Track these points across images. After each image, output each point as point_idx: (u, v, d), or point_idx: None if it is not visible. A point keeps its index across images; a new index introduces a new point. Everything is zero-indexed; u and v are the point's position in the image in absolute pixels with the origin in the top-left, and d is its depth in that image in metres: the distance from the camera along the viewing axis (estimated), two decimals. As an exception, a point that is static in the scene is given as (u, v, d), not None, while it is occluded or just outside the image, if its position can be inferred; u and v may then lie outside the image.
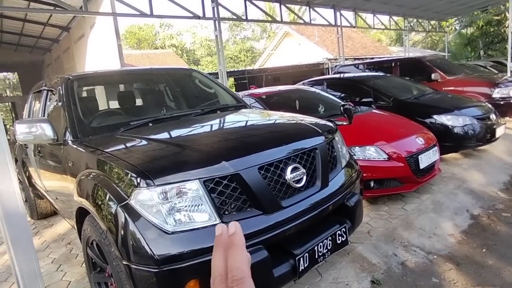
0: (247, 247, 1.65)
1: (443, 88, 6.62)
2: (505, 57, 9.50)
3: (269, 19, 11.51)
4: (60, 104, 2.70)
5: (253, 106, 3.70)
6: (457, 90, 6.59)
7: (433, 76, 6.99)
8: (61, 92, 2.73)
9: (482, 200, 3.79)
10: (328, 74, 15.80)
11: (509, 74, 8.58)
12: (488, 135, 4.79)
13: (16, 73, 21.76)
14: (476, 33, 20.63)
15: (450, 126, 4.61)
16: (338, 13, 11.04)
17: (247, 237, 1.69)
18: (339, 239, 2.09)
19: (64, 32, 12.74)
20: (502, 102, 6.26)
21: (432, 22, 16.66)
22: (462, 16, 17.44)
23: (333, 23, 11.19)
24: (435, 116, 4.70)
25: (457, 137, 4.60)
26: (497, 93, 6.40)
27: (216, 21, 7.54)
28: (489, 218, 3.41)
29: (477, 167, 4.69)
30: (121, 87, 3.74)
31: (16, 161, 4.31)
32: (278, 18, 10.50)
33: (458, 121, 4.64)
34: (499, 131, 4.94)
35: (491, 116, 4.92)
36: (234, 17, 8.76)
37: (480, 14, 17.54)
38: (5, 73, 26.09)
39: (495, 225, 3.27)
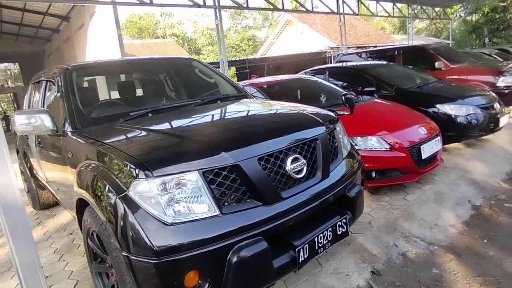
0: (247, 238, 1.65)
1: (447, 77, 6.55)
2: (510, 45, 9.38)
3: (271, 7, 11.36)
4: (59, 94, 2.68)
5: (254, 96, 3.67)
6: (461, 79, 6.51)
7: (436, 64, 6.91)
8: (59, 83, 2.71)
9: (484, 191, 3.77)
10: (331, 63, 15.66)
11: (514, 62, 8.45)
12: (491, 125, 4.74)
13: (17, 63, 21.71)
14: (481, 20, 20.28)
15: (453, 116, 4.56)
16: (340, 1, 10.87)
17: (247, 228, 1.69)
18: (339, 230, 2.08)
19: (64, 22, 12.65)
20: (506, 91, 6.19)
21: (437, 9, 16.43)
22: (467, 2, 17.14)
23: (336, 11, 11.04)
24: (438, 105, 4.65)
25: (460, 126, 4.56)
26: (501, 82, 6.32)
27: (217, 10, 7.45)
28: (491, 209, 3.39)
29: (480, 157, 4.65)
30: (122, 77, 3.71)
31: (18, 152, 4.32)
32: (280, 6, 10.36)
33: (462, 110, 4.59)
34: (503, 121, 4.88)
35: (495, 105, 4.86)
36: (235, 5, 8.65)
37: (485, 0, 17.25)
38: (6, 64, 26.02)
39: (497, 216, 3.26)
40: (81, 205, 2.10)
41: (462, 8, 18.58)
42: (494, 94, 5.23)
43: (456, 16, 19.91)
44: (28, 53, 16.40)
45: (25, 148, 3.98)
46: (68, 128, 2.39)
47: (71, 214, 3.00)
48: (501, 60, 9.72)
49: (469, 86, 5.67)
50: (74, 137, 2.31)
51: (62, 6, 11.06)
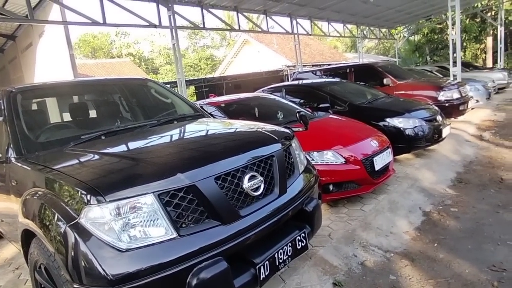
0: (207, 259, 1.62)
1: (395, 92, 7.00)
2: (448, 62, 10.25)
3: (228, 27, 11.58)
4: (1, 119, 2.51)
5: (212, 115, 3.68)
6: (407, 94, 6.99)
7: (385, 81, 7.37)
8: (2, 106, 2.55)
9: (432, 197, 4.02)
10: (287, 80, 16.14)
11: (451, 78, 9.25)
12: (436, 136, 5.11)
13: (-45, 85, 20.07)
14: (422, 40, 22.16)
15: (401, 128, 4.86)
16: (294, 21, 11.35)
17: (206, 249, 1.67)
18: (299, 245, 2.11)
19: (9, 41, 11.96)
20: (447, 104, 6.74)
21: (383, 29, 17.65)
22: (409, 24, 18.62)
23: (290, 31, 11.48)
24: (387, 119, 4.95)
25: (408, 138, 4.87)
26: (442, 96, 6.88)
27: (173, 30, 7.46)
28: (439, 214, 3.62)
29: (427, 166, 4.98)
30: (74, 99, 3.57)
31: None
32: (236, 27, 10.59)
33: (409, 123, 4.91)
34: (445, 131, 5.29)
35: (437, 118, 5.27)
36: (191, 25, 8.71)
37: (424, 22, 18.85)
38: None
39: (444, 220, 3.48)
40: (27, 237, 1.97)
41: (405, 29, 20.13)
42: (436, 108, 5.67)
43: (400, 36, 21.52)
44: (-32, 74, 15.26)
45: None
46: (11, 154, 2.25)
47: (16, 247, 2.77)
48: (441, 76, 10.59)
49: (415, 101, 6.10)
50: (19, 164, 2.17)
51: (8, 25, 10.49)
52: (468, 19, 20.45)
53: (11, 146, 2.28)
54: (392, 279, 2.60)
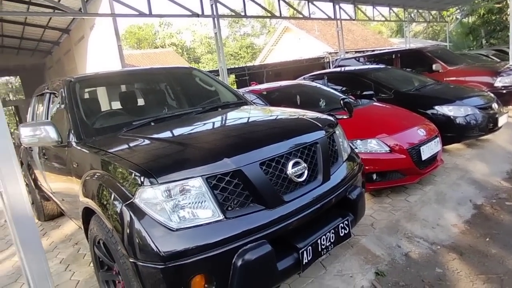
0: (251, 241, 1.68)
1: (445, 79, 6.60)
2: (507, 45, 9.43)
3: (268, 15, 11.48)
4: (63, 106, 2.73)
5: (254, 103, 3.72)
6: (459, 80, 6.57)
7: (434, 66, 6.97)
8: (63, 95, 2.77)
9: (485, 190, 3.79)
10: (329, 68, 15.76)
11: (511, 62, 8.51)
12: (490, 125, 4.78)
13: (18, 76, 21.87)
14: (478, 21, 20.45)
15: (452, 117, 4.60)
16: (337, 6, 10.99)
17: (251, 232, 1.72)
18: (342, 232, 2.11)
19: (64, 34, 12.78)
20: (504, 91, 6.23)
21: (433, 12, 16.55)
22: (463, 5, 17.30)
23: (333, 17, 11.15)
24: (436, 107, 4.70)
25: (459, 127, 4.60)
26: (499, 82, 6.37)
27: (215, 19, 7.55)
28: (492, 208, 3.41)
29: (480, 157, 4.68)
30: (123, 88, 3.77)
31: (22, 164, 4.36)
32: (277, 14, 10.48)
33: (460, 111, 4.63)
34: (502, 120, 4.92)
35: (493, 105, 4.91)
36: (233, 14, 8.75)
37: (481, 2, 17.40)
38: (7, 77, 26.23)
39: (498, 214, 3.28)
40: (87, 214, 2.14)
41: (458, 11, 18.75)
42: (492, 95, 5.28)
43: (452, 18, 20.09)
44: (29, 66, 16.53)
45: (29, 160, 4.02)
46: (72, 139, 2.44)
47: (76, 224, 3.04)
48: (498, 60, 9.80)
49: (467, 87, 5.72)
50: (79, 148, 2.35)
51: (63, 19, 11.20)
52: (532, -3, 18.57)
53: (72, 131, 2.47)
54: (439, 272, 2.51)
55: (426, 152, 3.66)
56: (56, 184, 3.08)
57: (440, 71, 6.93)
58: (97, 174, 2.03)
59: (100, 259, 2.13)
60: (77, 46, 12.05)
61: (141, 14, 6.87)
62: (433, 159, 3.81)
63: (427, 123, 4.05)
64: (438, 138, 3.90)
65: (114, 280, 2.06)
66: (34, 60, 16.46)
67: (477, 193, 3.72)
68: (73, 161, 2.40)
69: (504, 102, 5.51)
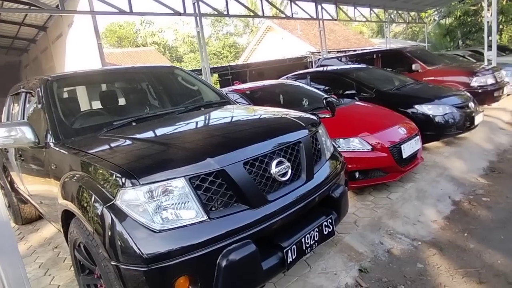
0: (236, 241, 1.68)
1: (424, 78, 6.76)
2: (482, 46, 9.75)
3: (251, 14, 11.47)
4: (39, 106, 2.64)
5: (237, 102, 3.70)
6: (437, 80, 6.74)
7: (413, 66, 7.13)
8: (40, 94, 2.68)
9: (463, 187, 3.91)
10: (312, 67, 15.88)
11: (486, 63, 8.81)
12: (467, 123, 4.92)
13: (-8, 75, 21.11)
14: (454, 23, 21.04)
15: (431, 115, 4.71)
16: (319, 7, 11.08)
17: (235, 232, 1.71)
18: (325, 230, 2.13)
19: (41, 32, 12.41)
20: (480, 90, 6.44)
21: (412, 13, 16.92)
22: (440, 6, 17.78)
23: (315, 17, 11.24)
24: (416, 106, 4.80)
25: (438, 125, 4.71)
26: (475, 82, 6.58)
27: (197, 17, 7.48)
28: (470, 204, 3.52)
29: (458, 154, 4.82)
30: (103, 87, 3.68)
31: (-3, 166, 4.21)
32: (260, 13, 10.48)
33: (439, 110, 4.75)
34: (478, 119, 5.08)
35: (470, 104, 5.05)
36: (216, 12, 8.70)
37: (457, 4, 17.93)
38: (-20, 76, 25.26)
39: (475, 210, 3.38)
40: (67, 217, 2.08)
41: (436, 13, 19.24)
42: (468, 94, 5.44)
43: (430, 20, 20.59)
44: (3, 64, 15.96)
45: (5, 162, 3.88)
46: (50, 139, 2.37)
47: (55, 227, 2.95)
48: (474, 61, 10.10)
49: (445, 87, 5.87)
50: (57, 149, 2.29)
51: (39, 16, 10.86)
52: (505, 0, 19.25)
53: (50, 132, 2.40)
54: (420, 267, 2.57)
55: (407, 150, 3.73)
56: (33, 186, 2.98)
57: (419, 71, 7.10)
58: (77, 175, 1.97)
59: (81, 263, 2.07)
60: (55, 44, 11.71)
61: (121, 12, 6.73)
62: (413, 157, 3.90)
63: (407, 121, 4.13)
64: (418, 137, 3.99)
65: (96, 284, 2.01)
66: (8, 58, 15.93)
67: (456, 190, 3.83)
68: (51, 163, 2.33)
69: (480, 101, 5.70)
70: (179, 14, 7.37)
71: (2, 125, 2.32)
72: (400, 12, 15.87)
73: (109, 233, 1.64)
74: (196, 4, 7.42)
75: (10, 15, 10.46)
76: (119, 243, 1.60)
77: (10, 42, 13.63)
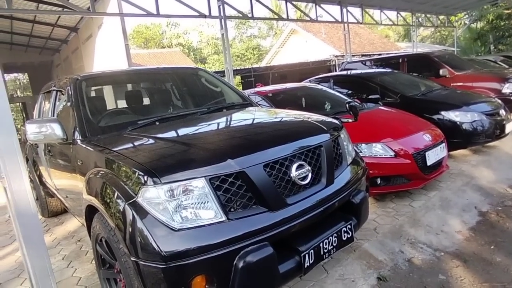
0: (253, 243, 1.68)
1: (452, 84, 6.55)
2: (515, 52, 9.34)
3: (276, 17, 11.49)
4: (69, 104, 2.75)
5: (259, 104, 3.71)
6: (466, 86, 6.50)
7: (441, 71, 6.92)
8: (69, 92, 2.78)
9: (490, 197, 3.75)
10: (335, 71, 15.71)
11: (519, 69, 8.43)
12: (497, 131, 4.73)
13: (26, 73, 22.11)
14: (486, 27, 20.28)
15: (458, 122, 4.56)
16: (344, 10, 10.98)
17: (253, 234, 1.71)
18: (344, 236, 2.09)
19: (72, 33, 12.89)
20: (512, 98, 6.17)
21: (441, 17, 16.45)
22: (471, 10, 17.18)
23: (340, 20, 11.13)
24: (443, 112, 4.66)
25: (465, 133, 4.56)
26: (507, 88, 6.30)
27: (222, 20, 7.57)
28: (497, 215, 3.37)
29: (486, 163, 4.63)
30: (129, 87, 3.79)
31: (27, 160, 4.40)
32: (284, 16, 10.48)
33: (467, 117, 4.59)
34: (509, 127, 4.87)
35: (500, 112, 4.86)
36: (240, 15, 8.77)
37: (490, 8, 17.27)
38: (15, 74, 26.53)
39: (503, 222, 3.24)
40: (90, 212, 2.14)
41: (466, 16, 18.61)
42: (499, 101, 5.22)
43: (460, 23, 19.93)
44: (37, 63, 16.69)
45: (35, 157, 4.05)
46: (77, 136, 2.46)
47: (79, 221, 3.05)
48: (507, 67, 9.69)
49: (474, 93, 5.67)
50: (84, 145, 2.36)
51: (71, 18, 11.29)
52: (542, 4, 18.39)
53: (77, 129, 2.48)
54: (442, 278, 2.49)
55: (432, 157, 3.63)
56: (60, 181, 3.10)
57: (447, 76, 6.88)
58: (101, 172, 2.03)
59: (102, 257, 2.13)
60: (84, 44, 12.14)
61: (148, 14, 6.91)
62: (438, 164, 3.78)
63: (433, 128, 4.02)
64: (444, 144, 3.87)
65: (115, 278, 2.06)
66: (42, 58, 16.61)
67: (483, 200, 3.68)
68: (77, 159, 2.41)
69: (511, 109, 5.46)
70: (204, 16, 7.49)
71: (34, 122, 2.43)
72: (428, 15, 15.47)
73: (130, 230, 1.67)
74: (221, 6, 7.52)
75: (45, 17, 10.93)
76: (139, 239, 1.64)
77: (44, 42, 14.23)
